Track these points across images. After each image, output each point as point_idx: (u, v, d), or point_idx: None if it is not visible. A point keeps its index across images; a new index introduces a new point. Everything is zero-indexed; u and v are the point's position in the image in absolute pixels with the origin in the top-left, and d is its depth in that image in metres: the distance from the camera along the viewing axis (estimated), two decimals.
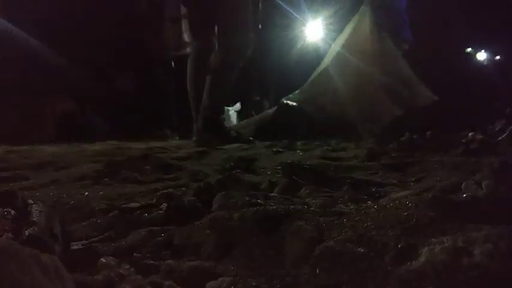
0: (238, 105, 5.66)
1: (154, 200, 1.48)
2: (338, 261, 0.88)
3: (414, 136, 2.98)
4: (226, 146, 3.80)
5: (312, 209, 1.21)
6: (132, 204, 1.46)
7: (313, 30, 5.67)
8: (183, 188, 1.74)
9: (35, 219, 1.15)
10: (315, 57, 5.47)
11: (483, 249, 0.84)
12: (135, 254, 1.04)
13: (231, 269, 0.92)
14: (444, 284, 0.79)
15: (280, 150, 3.48)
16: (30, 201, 1.32)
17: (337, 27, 5.34)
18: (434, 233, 0.97)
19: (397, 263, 0.86)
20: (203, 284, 0.84)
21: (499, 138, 2.49)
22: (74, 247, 1.06)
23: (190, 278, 0.88)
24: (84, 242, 1.13)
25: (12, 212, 1.17)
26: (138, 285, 0.81)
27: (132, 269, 0.89)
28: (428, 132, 3.02)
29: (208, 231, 1.09)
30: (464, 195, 1.19)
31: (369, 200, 1.36)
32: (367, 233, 0.99)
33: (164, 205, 1.40)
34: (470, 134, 2.70)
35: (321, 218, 1.11)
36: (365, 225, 1.05)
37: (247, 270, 0.91)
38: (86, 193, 1.72)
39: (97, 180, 2.06)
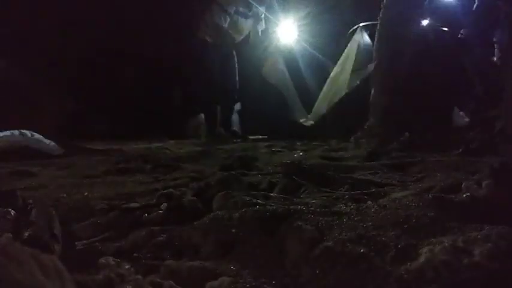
0: (238, 105, 5.67)
1: (155, 200, 1.48)
2: (338, 261, 0.88)
3: (414, 136, 2.98)
4: (227, 146, 3.81)
5: (312, 209, 1.21)
6: (132, 204, 1.46)
7: (286, 31, 5.60)
8: (183, 188, 1.74)
9: (35, 219, 1.16)
10: (289, 59, 5.49)
11: (483, 249, 0.84)
12: (135, 254, 1.04)
13: (231, 269, 0.92)
14: (444, 284, 0.79)
15: (280, 150, 3.49)
16: (30, 201, 1.32)
17: (309, 28, 5.37)
18: (434, 233, 0.98)
19: (397, 263, 0.86)
20: (203, 284, 0.84)
21: (499, 138, 2.49)
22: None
23: (190, 278, 0.88)
24: (84, 242, 1.13)
25: (12, 212, 1.18)
26: (138, 285, 0.81)
27: (132, 269, 0.89)
28: (428, 132, 3.02)
29: (208, 231, 1.09)
30: (464, 195, 1.19)
31: (369, 200, 1.36)
32: (367, 233, 0.99)
33: (164, 205, 1.40)
34: (470, 134, 2.70)
35: (321, 218, 1.11)
36: (365, 225, 1.05)
37: (247, 270, 0.91)
38: (86, 193, 1.72)
39: (97, 180, 2.07)
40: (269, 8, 5.27)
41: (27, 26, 4.44)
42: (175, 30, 5.10)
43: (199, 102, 5.25)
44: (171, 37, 5.21)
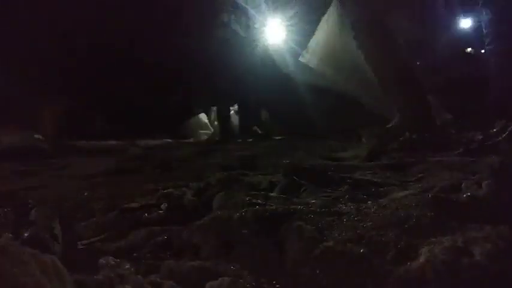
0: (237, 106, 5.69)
1: (155, 200, 1.48)
2: (338, 261, 0.88)
3: (414, 136, 2.98)
4: (227, 146, 3.81)
5: (312, 209, 1.21)
6: (132, 204, 1.46)
7: (274, 31, 5.57)
8: (183, 188, 1.74)
9: (34, 219, 1.16)
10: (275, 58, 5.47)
11: (483, 249, 0.84)
12: (135, 254, 1.04)
13: (231, 269, 0.92)
14: (444, 284, 0.79)
15: (280, 150, 3.48)
16: (30, 201, 1.32)
17: (297, 28, 5.37)
18: (434, 233, 0.98)
19: (397, 263, 0.86)
20: (203, 284, 0.84)
21: (499, 138, 2.49)
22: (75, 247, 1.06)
23: (190, 278, 0.88)
24: (84, 242, 1.13)
25: (12, 212, 1.18)
26: (138, 285, 0.81)
27: (132, 269, 0.89)
28: (427, 133, 3.02)
29: (208, 231, 1.09)
30: (464, 195, 1.19)
31: (369, 200, 1.36)
32: (367, 233, 0.99)
33: (164, 205, 1.40)
34: (470, 134, 2.70)
35: (321, 218, 1.11)
36: (365, 225, 1.05)
37: (247, 270, 0.91)
38: (86, 193, 1.72)
39: (97, 180, 2.06)
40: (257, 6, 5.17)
41: (26, 26, 4.44)
42: (184, 30, 5.03)
43: (201, 101, 5.24)
44: (178, 38, 5.16)
